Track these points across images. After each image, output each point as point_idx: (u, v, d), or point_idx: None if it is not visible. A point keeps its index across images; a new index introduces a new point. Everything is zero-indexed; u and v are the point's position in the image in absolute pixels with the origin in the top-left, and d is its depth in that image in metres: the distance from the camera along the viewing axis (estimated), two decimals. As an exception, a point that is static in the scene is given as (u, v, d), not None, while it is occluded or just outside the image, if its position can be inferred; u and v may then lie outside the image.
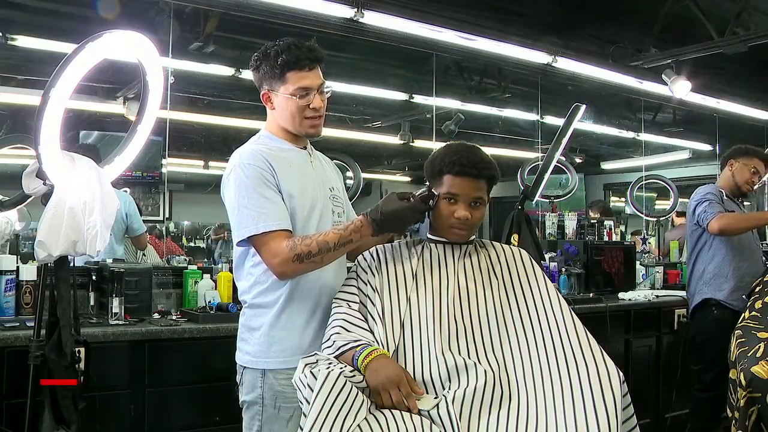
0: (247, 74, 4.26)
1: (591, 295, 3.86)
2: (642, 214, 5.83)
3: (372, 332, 1.70)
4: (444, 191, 1.76)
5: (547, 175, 3.48)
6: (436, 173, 1.79)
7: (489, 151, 1.88)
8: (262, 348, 1.80)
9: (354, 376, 1.57)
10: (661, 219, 5.85)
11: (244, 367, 1.83)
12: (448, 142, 1.88)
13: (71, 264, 1.97)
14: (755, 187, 3.44)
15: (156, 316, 2.77)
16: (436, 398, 1.57)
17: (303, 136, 1.89)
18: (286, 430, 1.75)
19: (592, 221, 4.74)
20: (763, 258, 3.40)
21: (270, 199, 1.74)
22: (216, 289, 2.96)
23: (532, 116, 6.09)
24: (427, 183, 1.84)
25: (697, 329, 3.34)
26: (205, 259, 5.54)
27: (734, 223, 3.12)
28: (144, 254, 4.05)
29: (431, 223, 1.84)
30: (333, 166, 2.06)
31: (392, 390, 1.55)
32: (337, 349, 1.66)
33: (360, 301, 1.76)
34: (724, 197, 3.28)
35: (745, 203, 3.55)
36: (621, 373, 1.54)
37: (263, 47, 1.83)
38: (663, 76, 4.91)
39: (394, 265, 1.79)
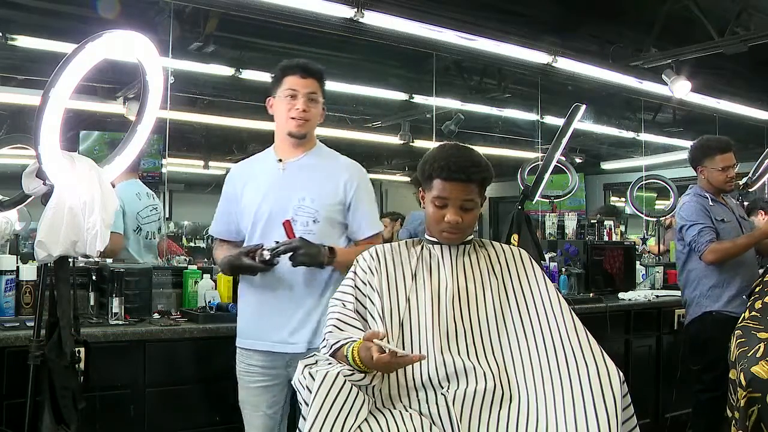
0: (247, 74, 4.28)
1: (591, 295, 3.85)
2: (642, 214, 5.82)
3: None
4: (434, 195, 1.77)
5: (547, 175, 3.48)
6: (426, 177, 1.79)
7: (489, 151, 1.89)
8: (239, 327, 2.20)
9: (353, 374, 1.56)
10: (661, 219, 5.83)
11: None
12: (442, 143, 1.89)
13: (71, 264, 1.97)
14: (735, 181, 3.32)
15: (156, 316, 2.77)
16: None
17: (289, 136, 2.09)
18: (249, 397, 2.14)
19: (592, 221, 4.73)
20: (758, 257, 3.37)
21: (220, 209, 2.27)
22: (216, 289, 2.95)
23: (532, 116, 6.09)
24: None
25: (697, 331, 3.30)
26: (205, 259, 5.52)
27: (727, 256, 3.08)
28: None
29: (426, 226, 1.85)
30: (334, 173, 2.14)
31: (386, 359, 1.47)
32: (330, 348, 1.67)
33: (357, 300, 1.76)
34: (710, 203, 3.18)
35: (745, 202, 3.47)
36: (621, 373, 1.54)
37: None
38: (663, 76, 4.91)
39: (394, 266, 1.79)
